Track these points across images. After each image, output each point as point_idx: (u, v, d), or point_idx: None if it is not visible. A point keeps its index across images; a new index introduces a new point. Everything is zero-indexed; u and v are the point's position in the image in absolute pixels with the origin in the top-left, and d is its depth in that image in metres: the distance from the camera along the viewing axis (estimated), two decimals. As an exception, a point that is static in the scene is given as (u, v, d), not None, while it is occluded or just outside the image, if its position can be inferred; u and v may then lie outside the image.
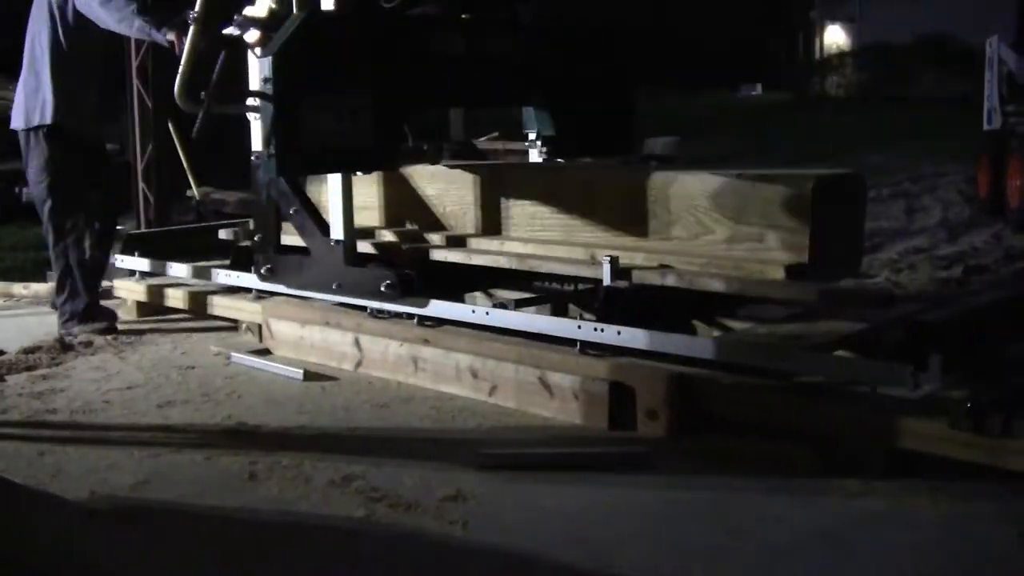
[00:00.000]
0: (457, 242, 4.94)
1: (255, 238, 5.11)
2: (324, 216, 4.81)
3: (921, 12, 26.81)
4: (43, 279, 6.86)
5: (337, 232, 4.71)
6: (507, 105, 5.93)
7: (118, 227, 6.16)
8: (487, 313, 4.41)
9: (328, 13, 4.64)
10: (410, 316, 4.56)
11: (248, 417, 4.07)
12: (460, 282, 4.97)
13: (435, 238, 5.03)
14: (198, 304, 5.57)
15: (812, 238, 3.89)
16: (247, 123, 4.98)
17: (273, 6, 4.67)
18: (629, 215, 4.51)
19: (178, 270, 5.74)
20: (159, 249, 5.96)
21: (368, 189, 5.30)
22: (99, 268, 5.58)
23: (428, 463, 3.52)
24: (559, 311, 4.85)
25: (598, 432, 3.84)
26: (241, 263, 5.48)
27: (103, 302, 5.71)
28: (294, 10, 4.46)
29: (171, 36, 5.07)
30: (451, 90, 5.05)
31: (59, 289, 5.50)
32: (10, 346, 5.12)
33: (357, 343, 4.67)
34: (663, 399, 3.74)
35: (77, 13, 5.28)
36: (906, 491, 3.19)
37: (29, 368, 4.81)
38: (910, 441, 3.28)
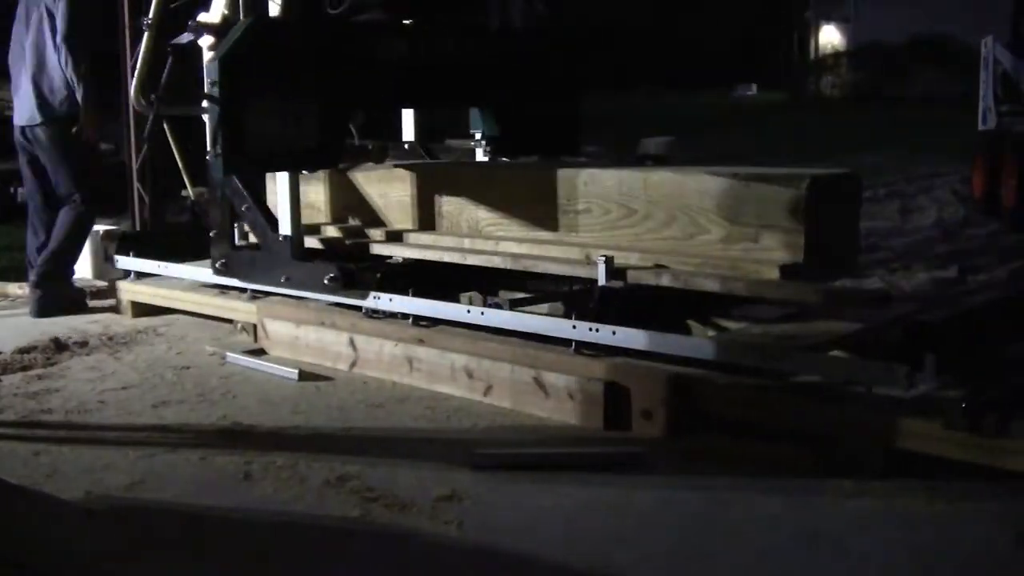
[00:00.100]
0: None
1: (210, 234, 5.28)
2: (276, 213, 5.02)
3: (916, 12, 26.85)
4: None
5: (285, 228, 4.91)
6: (451, 107, 6.23)
7: (114, 227, 6.28)
8: (482, 313, 4.41)
9: (274, 19, 4.85)
10: (405, 316, 4.57)
11: (243, 417, 4.07)
12: (449, 281, 4.99)
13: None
14: (193, 304, 5.57)
15: (807, 238, 3.89)
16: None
17: (226, 12, 4.92)
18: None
19: (173, 270, 5.73)
20: (154, 249, 5.96)
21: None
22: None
23: (423, 463, 3.52)
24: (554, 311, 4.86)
25: (593, 432, 3.84)
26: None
27: (101, 302, 5.81)
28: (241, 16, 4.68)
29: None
30: (394, 93, 5.28)
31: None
32: (5, 346, 5.11)
33: (352, 343, 4.67)
34: (658, 399, 3.74)
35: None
36: (902, 491, 3.19)
37: (24, 368, 4.81)
38: (906, 441, 3.28)
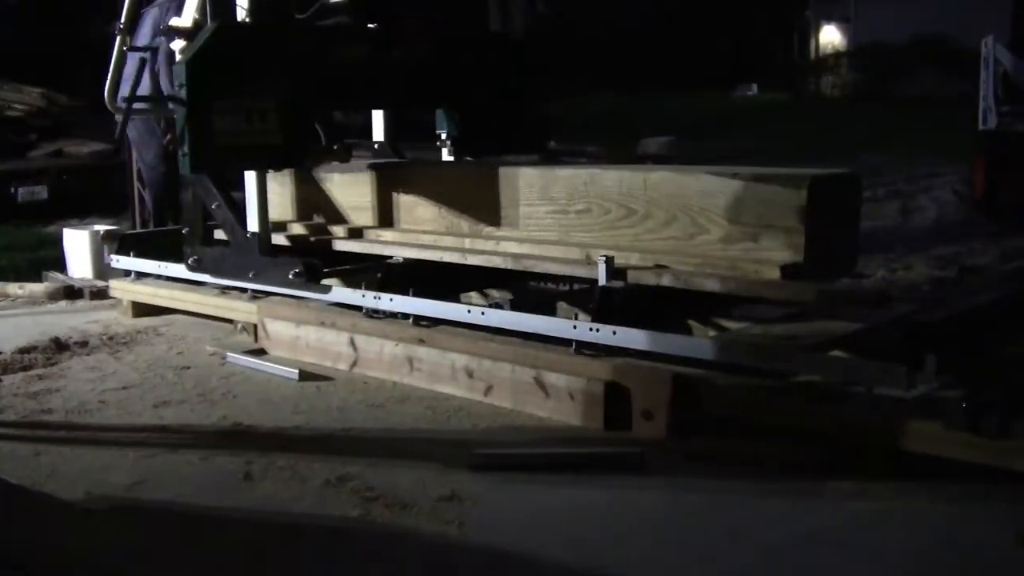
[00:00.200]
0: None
1: (183, 231, 5.39)
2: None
3: (916, 12, 26.81)
4: (38, 279, 6.85)
5: (253, 225, 5.06)
6: (413, 108, 6.50)
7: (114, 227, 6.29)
8: (483, 313, 4.41)
9: (241, 24, 4.96)
10: (405, 316, 4.57)
11: (243, 417, 4.07)
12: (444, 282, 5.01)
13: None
14: (193, 304, 5.57)
15: (808, 238, 3.89)
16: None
17: (197, 17, 5.07)
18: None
19: (173, 270, 5.73)
20: (155, 249, 5.96)
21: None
22: None
23: (424, 463, 3.52)
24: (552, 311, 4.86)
25: (594, 432, 3.84)
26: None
27: (100, 302, 5.75)
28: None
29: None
30: (357, 95, 5.51)
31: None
32: (5, 346, 5.11)
33: (352, 343, 4.67)
34: (659, 399, 3.74)
35: None
36: (903, 492, 3.19)
37: (25, 368, 4.81)
38: (908, 441, 3.28)
